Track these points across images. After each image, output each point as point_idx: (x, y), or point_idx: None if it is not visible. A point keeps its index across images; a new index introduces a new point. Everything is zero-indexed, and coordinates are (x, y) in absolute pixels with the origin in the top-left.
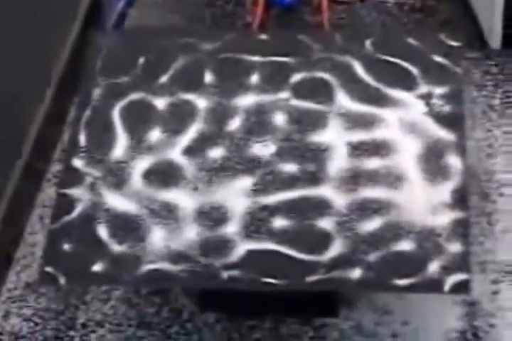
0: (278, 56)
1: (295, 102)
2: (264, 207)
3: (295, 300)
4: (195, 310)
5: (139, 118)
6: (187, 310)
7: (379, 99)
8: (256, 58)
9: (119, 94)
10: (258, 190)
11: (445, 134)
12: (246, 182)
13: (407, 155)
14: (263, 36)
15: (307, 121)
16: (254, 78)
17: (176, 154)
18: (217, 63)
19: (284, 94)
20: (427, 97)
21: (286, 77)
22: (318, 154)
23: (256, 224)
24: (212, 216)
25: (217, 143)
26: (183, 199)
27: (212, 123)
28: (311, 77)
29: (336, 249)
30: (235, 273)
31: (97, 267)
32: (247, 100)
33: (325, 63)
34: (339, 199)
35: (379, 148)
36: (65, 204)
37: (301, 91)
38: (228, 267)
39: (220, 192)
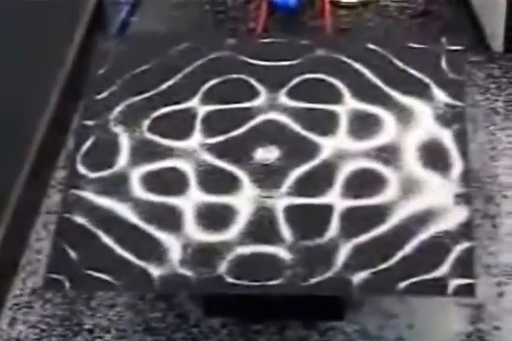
0: (281, 60)
1: (300, 105)
2: (270, 212)
3: (300, 303)
4: (201, 315)
5: (142, 124)
6: (193, 315)
7: (383, 101)
8: (259, 62)
9: (124, 100)
10: (264, 195)
11: (448, 137)
12: (250, 187)
13: (410, 159)
14: (266, 41)
15: (312, 124)
16: (258, 82)
17: (179, 160)
18: (221, 68)
19: (289, 97)
20: (429, 100)
21: (289, 79)
22: (326, 157)
23: (260, 228)
24: (217, 220)
25: (222, 148)
26: (186, 204)
27: (216, 128)
28: (314, 79)
29: (340, 253)
30: (239, 277)
31: (102, 273)
32: (250, 104)
33: (328, 66)
34: (344, 205)
35: (384, 152)
36: (70, 210)
37: (304, 93)
38: (232, 271)
39: (224, 197)
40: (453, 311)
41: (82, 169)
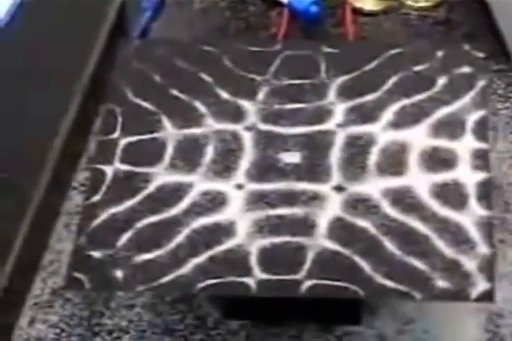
0: (303, 66)
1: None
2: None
3: (318, 307)
4: (220, 317)
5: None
6: (211, 317)
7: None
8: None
9: (146, 102)
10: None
11: (469, 144)
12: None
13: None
14: (287, 47)
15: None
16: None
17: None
18: (241, 74)
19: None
20: (451, 107)
21: (312, 85)
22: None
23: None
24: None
25: (243, 149)
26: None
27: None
28: (337, 84)
29: (361, 264)
30: (258, 280)
31: (122, 274)
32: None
33: (351, 72)
34: (363, 221)
35: (401, 160)
36: (91, 211)
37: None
38: (251, 274)
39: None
40: (469, 316)
41: (103, 170)
